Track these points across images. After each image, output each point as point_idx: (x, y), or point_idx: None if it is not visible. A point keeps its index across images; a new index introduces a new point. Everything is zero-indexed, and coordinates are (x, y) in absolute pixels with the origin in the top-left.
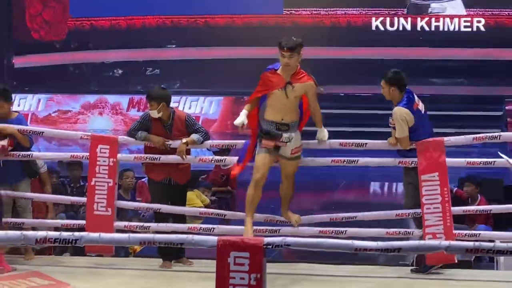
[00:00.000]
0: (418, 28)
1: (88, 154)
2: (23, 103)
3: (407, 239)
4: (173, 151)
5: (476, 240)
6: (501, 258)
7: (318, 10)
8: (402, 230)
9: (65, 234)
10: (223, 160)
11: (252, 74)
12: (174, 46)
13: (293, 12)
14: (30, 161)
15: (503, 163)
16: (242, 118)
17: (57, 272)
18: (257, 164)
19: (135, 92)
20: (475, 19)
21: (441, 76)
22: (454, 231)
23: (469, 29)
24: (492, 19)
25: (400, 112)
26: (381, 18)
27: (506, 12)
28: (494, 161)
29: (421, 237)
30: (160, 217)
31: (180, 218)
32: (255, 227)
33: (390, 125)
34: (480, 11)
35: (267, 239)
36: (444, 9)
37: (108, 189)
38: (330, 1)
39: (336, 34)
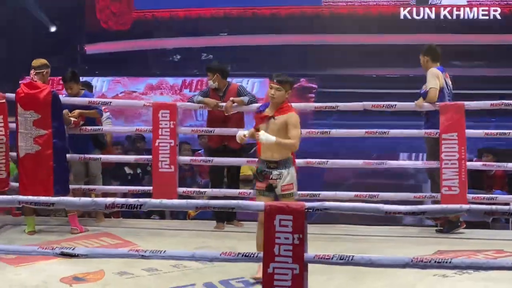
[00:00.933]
0: (441, 17)
1: (151, 127)
2: (98, 84)
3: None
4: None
5: (493, 203)
6: None
7: (353, 2)
8: (428, 194)
9: (131, 200)
10: None
11: (294, 59)
12: (225, 34)
13: (331, 3)
14: (99, 135)
15: None
16: (245, 131)
17: (124, 233)
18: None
19: (192, 75)
20: (492, 8)
21: (462, 59)
22: (473, 195)
23: (487, 17)
24: (507, 8)
25: (434, 70)
26: (408, 8)
27: None
28: (510, 132)
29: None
30: (215, 180)
31: (233, 182)
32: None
33: (421, 91)
34: (496, 1)
35: (308, 204)
36: None
37: (170, 148)
38: None
39: (368, 22)
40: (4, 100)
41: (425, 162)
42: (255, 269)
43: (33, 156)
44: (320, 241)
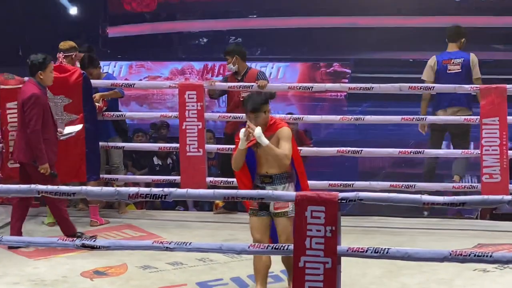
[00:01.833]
0: None
1: (176, 113)
2: (116, 69)
3: (472, 193)
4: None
5: None
6: None
7: None
8: (468, 184)
9: (155, 190)
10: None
11: (326, 42)
12: (255, 16)
13: None
14: (121, 121)
15: None
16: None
17: (148, 225)
18: (251, 232)
19: (219, 59)
20: None
21: (504, 42)
22: None
23: None
24: None
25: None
26: None
27: None
28: None
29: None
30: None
31: None
32: (331, 182)
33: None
34: None
35: (341, 194)
36: None
37: (198, 131)
38: None
39: (405, 4)
40: (22, 85)
41: (465, 151)
42: None
43: (64, 142)
44: (353, 233)
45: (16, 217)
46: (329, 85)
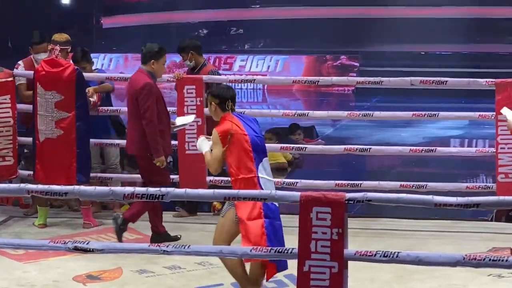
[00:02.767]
0: None
1: (175, 109)
2: (112, 62)
3: (487, 194)
4: None
5: None
6: None
7: None
8: (482, 184)
9: (151, 189)
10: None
11: (332, 33)
12: (258, 6)
13: None
14: (119, 117)
15: None
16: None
17: (144, 227)
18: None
19: (220, 52)
20: None
21: None
22: None
23: None
24: None
25: None
26: None
27: None
28: None
29: None
30: None
31: None
32: (337, 182)
33: None
34: None
35: (349, 195)
36: None
37: (197, 128)
38: None
39: None
40: (11, 78)
41: (479, 149)
42: (289, 267)
43: (54, 141)
44: (361, 236)
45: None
46: (336, 79)
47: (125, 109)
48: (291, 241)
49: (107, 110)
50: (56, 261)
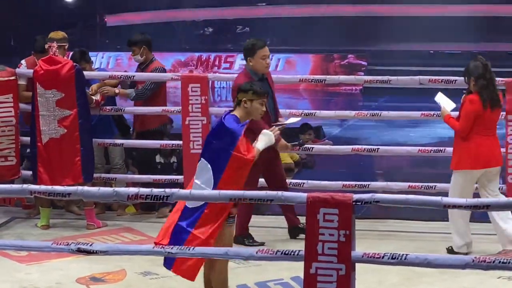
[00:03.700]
0: None
1: (179, 108)
2: (116, 60)
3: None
4: None
5: None
6: None
7: None
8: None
9: (156, 190)
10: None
11: (340, 32)
12: (264, 4)
13: None
14: (123, 117)
15: None
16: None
17: (148, 228)
18: (220, 266)
19: (225, 50)
20: None
21: None
22: None
23: None
24: None
25: None
26: None
27: None
28: None
29: None
30: None
31: None
32: (345, 182)
33: None
34: None
35: (356, 196)
36: None
37: (202, 127)
38: None
39: None
40: (14, 77)
41: None
42: (295, 269)
43: (57, 140)
44: (369, 238)
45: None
46: (343, 78)
47: (130, 108)
48: (298, 243)
49: (111, 109)
50: (59, 263)
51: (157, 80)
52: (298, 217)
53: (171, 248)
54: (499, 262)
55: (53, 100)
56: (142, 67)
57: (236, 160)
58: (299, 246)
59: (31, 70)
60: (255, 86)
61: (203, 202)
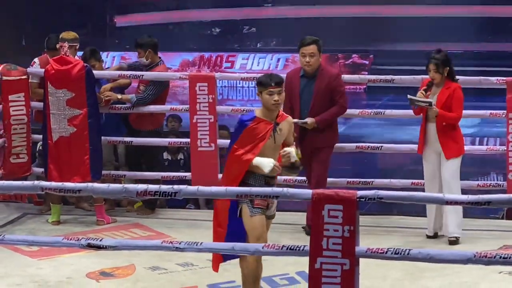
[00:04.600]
0: None
1: (187, 106)
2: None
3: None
4: None
5: None
6: None
7: None
8: (493, 182)
9: (164, 187)
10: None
11: (344, 32)
12: (270, 5)
13: None
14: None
15: None
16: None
17: (157, 224)
18: (257, 231)
19: (233, 50)
20: None
21: None
22: None
23: None
24: None
25: None
26: None
27: None
28: None
29: None
30: None
31: None
32: (349, 179)
33: None
34: None
35: (360, 192)
36: None
37: (209, 125)
38: None
39: None
40: (25, 76)
41: (490, 147)
42: (301, 264)
43: (67, 139)
44: (373, 234)
45: None
46: (347, 77)
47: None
48: (303, 238)
49: (120, 108)
50: (69, 258)
51: (165, 79)
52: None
53: (179, 244)
54: (500, 257)
55: (63, 99)
56: (147, 69)
57: (233, 153)
58: (304, 241)
59: (43, 69)
60: (262, 77)
61: None
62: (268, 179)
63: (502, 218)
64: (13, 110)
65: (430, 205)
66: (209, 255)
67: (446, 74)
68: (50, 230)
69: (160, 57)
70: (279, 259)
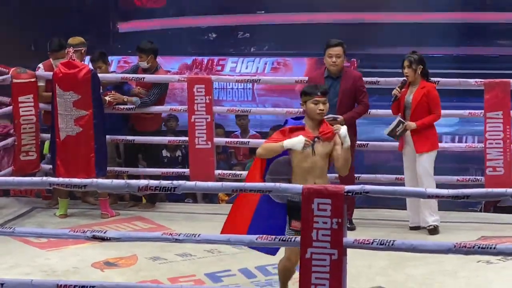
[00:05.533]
0: None
1: (185, 107)
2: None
3: (476, 186)
4: None
5: None
6: None
7: None
8: (472, 177)
9: (164, 182)
10: None
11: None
12: (263, 12)
13: None
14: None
15: None
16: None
17: (157, 217)
18: (287, 250)
19: (228, 54)
20: None
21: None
22: None
23: None
24: None
25: None
26: None
27: None
28: None
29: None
30: None
31: None
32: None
33: None
34: None
35: (348, 187)
36: None
37: (206, 124)
38: None
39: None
40: (34, 79)
41: (468, 144)
42: None
43: (74, 138)
44: (360, 226)
45: None
46: None
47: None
48: None
49: (123, 108)
50: (76, 249)
51: (165, 82)
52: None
53: (179, 235)
54: (478, 247)
55: (70, 101)
56: (147, 73)
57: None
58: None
59: (50, 73)
60: (308, 87)
61: None
62: None
63: (480, 211)
64: (22, 111)
65: (410, 198)
66: (207, 246)
67: (420, 72)
68: (58, 223)
69: (158, 63)
70: None
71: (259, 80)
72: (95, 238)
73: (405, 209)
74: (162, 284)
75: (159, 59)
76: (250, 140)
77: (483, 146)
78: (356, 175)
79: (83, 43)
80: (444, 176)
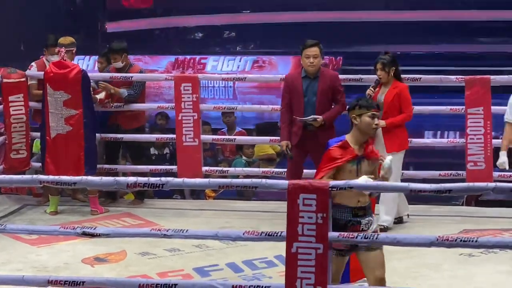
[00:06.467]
0: None
1: (173, 105)
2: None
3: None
4: None
5: None
6: None
7: None
8: (454, 172)
9: (152, 179)
10: None
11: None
12: (248, 11)
13: None
14: None
15: None
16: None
17: (146, 213)
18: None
19: (214, 53)
20: None
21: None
22: (499, 173)
23: None
24: None
25: None
26: None
27: None
28: None
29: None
30: None
31: None
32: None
33: None
34: None
35: (332, 182)
36: None
37: (193, 122)
38: None
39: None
40: (24, 79)
41: (450, 140)
42: (278, 249)
43: (64, 136)
44: None
45: None
46: None
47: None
48: (280, 225)
49: (112, 106)
50: (66, 245)
51: (153, 80)
52: None
53: (167, 231)
54: (460, 240)
55: (60, 100)
56: (124, 72)
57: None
58: (281, 228)
59: (41, 72)
60: (362, 101)
61: None
62: (356, 211)
63: (462, 205)
64: (13, 110)
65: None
66: (194, 241)
67: (392, 74)
68: (48, 219)
69: (130, 61)
70: (259, 244)
71: (245, 78)
72: (85, 234)
73: None
74: (151, 278)
75: (146, 58)
76: (237, 137)
77: (465, 141)
78: None
79: (74, 43)
80: (426, 171)
